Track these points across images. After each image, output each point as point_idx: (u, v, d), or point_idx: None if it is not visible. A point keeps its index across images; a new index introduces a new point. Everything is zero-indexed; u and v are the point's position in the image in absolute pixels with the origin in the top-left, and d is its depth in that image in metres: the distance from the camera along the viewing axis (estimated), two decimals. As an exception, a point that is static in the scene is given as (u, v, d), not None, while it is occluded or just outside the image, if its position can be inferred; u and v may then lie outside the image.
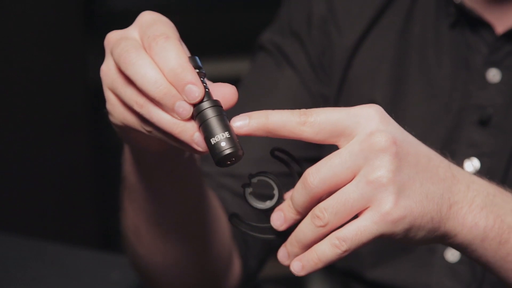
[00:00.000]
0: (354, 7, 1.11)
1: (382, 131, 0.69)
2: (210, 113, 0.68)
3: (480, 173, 1.03)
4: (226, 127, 0.68)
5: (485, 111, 1.03)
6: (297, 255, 0.71)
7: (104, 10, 2.39)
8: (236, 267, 1.03)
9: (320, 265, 0.70)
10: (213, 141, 0.67)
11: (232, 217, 0.74)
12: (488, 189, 0.75)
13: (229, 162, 0.68)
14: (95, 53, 2.38)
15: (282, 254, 0.73)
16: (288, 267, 0.73)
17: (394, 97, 1.08)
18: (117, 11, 2.40)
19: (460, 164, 1.04)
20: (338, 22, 1.10)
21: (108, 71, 0.72)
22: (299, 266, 0.71)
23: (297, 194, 0.70)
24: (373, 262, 1.08)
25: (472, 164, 1.04)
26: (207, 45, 2.53)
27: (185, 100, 0.68)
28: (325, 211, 0.69)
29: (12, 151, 2.19)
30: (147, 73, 0.68)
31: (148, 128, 0.72)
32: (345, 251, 0.69)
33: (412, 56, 1.08)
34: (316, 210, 0.69)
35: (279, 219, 0.72)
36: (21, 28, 2.13)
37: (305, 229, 0.70)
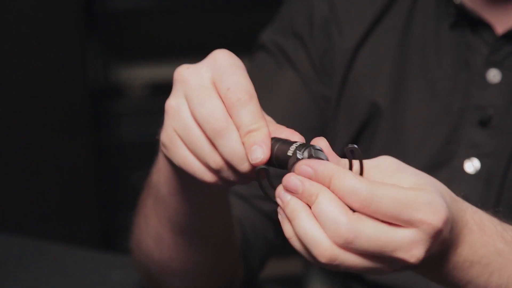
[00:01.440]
0: (356, 8, 1.11)
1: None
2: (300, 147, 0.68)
3: (481, 173, 1.03)
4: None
5: (486, 111, 1.03)
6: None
7: (104, 10, 2.39)
8: (239, 268, 1.03)
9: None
10: (290, 152, 0.67)
11: (262, 170, 0.69)
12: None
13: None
14: (95, 53, 2.38)
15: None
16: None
17: (395, 98, 1.08)
18: (117, 11, 2.40)
19: (460, 164, 1.04)
20: (340, 23, 1.10)
21: (179, 112, 0.72)
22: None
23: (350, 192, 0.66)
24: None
25: (473, 164, 1.04)
26: (207, 45, 2.53)
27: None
28: (358, 238, 0.65)
29: (11, 151, 2.19)
30: (232, 146, 0.69)
31: (213, 180, 0.72)
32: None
33: (412, 57, 1.08)
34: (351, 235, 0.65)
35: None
36: (21, 28, 2.13)
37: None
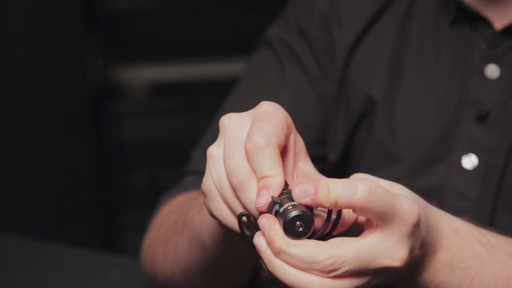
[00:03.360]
0: (355, 4, 1.11)
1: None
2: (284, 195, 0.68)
3: (479, 169, 1.03)
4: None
5: (484, 107, 1.03)
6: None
7: (104, 10, 2.39)
8: None
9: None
10: (281, 209, 0.67)
11: (242, 216, 0.70)
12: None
13: (300, 229, 0.67)
14: (95, 54, 2.38)
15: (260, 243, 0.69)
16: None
17: (391, 91, 1.08)
18: (117, 11, 2.40)
19: (458, 160, 1.04)
20: (339, 18, 1.10)
21: (216, 163, 0.73)
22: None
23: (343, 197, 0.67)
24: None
25: (470, 160, 1.03)
26: (207, 45, 2.53)
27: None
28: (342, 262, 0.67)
29: (11, 151, 2.19)
30: (250, 196, 0.69)
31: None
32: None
33: (410, 53, 1.08)
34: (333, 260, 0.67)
35: None
36: (21, 28, 2.13)
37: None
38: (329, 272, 0.66)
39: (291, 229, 0.67)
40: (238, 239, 0.76)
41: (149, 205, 1.28)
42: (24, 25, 2.12)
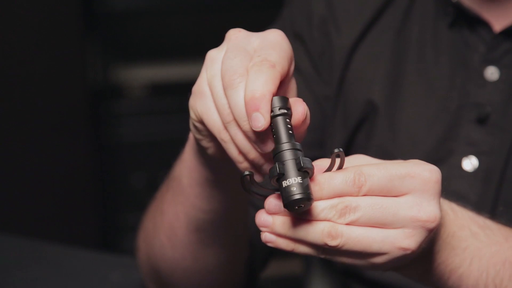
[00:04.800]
0: (353, 7, 1.11)
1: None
2: (287, 156, 0.68)
3: (479, 171, 1.03)
4: (300, 173, 0.67)
5: (484, 109, 1.03)
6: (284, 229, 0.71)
7: (104, 10, 2.39)
8: (242, 268, 1.04)
9: (291, 247, 0.71)
10: (284, 183, 0.67)
11: (245, 177, 0.70)
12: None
13: (297, 207, 0.67)
14: (94, 54, 2.38)
15: (274, 205, 0.71)
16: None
17: (391, 96, 1.08)
18: (117, 11, 2.40)
19: (458, 162, 1.04)
20: (337, 22, 1.11)
21: (213, 63, 0.73)
22: (272, 238, 0.71)
23: (340, 183, 0.69)
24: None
25: (471, 162, 1.04)
26: (207, 45, 2.53)
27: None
28: (358, 208, 0.68)
29: (11, 151, 2.19)
30: (238, 100, 0.69)
31: (226, 138, 0.72)
32: (331, 247, 0.68)
33: (410, 56, 1.08)
34: (353, 202, 0.68)
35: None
36: (20, 28, 2.13)
37: (322, 213, 0.69)
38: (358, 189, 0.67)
39: (291, 208, 0.68)
40: (215, 183, 0.80)
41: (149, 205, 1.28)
42: (23, 25, 2.12)
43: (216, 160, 0.80)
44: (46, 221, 2.21)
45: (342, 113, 1.10)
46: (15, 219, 2.19)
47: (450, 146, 1.04)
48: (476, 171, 1.03)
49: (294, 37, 1.13)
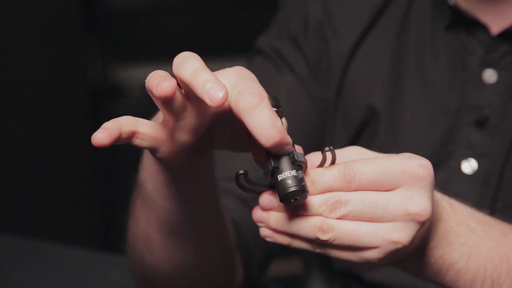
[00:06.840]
0: (351, 11, 1.11)
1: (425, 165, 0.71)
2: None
3: (478, 173, 1.03)
4: (294, 166, 0.68)
5: (482, 111, 1.03)
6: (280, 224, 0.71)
7: (104, 10, 2.39)
8: (239, 274, 1.03)
9: (288, 242, 0.72)
10: (279, 177, 0.68)
11: (240, 175, 0.71)
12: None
13: (292, 200, 0.68)
14: (94, 53, 2.38)
15: (268, 201, 0.72)
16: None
17: (392, 100, 1.08)
18: (117, 11, 2.40)
19: (458, 165, 1.04)
20: (335, 26, 1.11)
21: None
22: (269, 233, 0.72)
23: (330, 178, 0.69)
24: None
25: (470, 164, 1.04)
26: (207, 45, 2.54)
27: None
28: (349, 203, 0.69)
29: (11, 151, 2.19)
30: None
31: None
32: (323, 241, 0.69)
33: (408, 59, 1.08)
34: (343, 197, 0.69)
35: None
36: (20, 28, 2.13)
37: (314, 207, 0.69)
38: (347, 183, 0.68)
39: (287, 201, 0.68)
40: (179, 182, 0.80)
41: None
42: (23, 25, 2.12)
43: (170, 161, 0.80)
44: (46, 221, 2.21)
45: (342, 118, 1.10)
46: (15, 219, 2.19)
47: (450, 149, 1.04)
48: (475, 174, 1.03)
49: (289, 40, 1.13)
